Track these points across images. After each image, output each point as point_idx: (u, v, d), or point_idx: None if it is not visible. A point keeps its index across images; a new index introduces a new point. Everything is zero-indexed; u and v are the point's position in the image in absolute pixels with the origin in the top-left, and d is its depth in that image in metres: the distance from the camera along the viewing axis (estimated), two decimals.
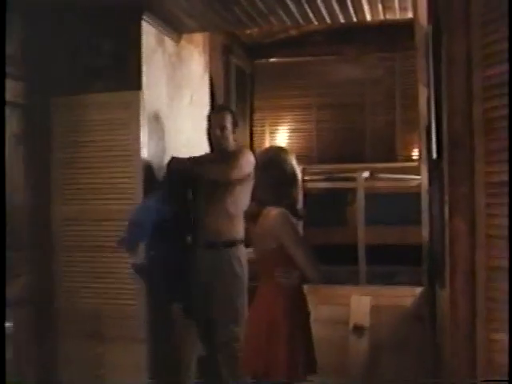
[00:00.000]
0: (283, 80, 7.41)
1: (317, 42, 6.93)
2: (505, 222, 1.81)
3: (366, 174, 5.99)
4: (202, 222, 3.66)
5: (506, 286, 1.80)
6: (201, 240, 3.66)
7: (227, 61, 6.56)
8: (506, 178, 1.80)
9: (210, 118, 3.80)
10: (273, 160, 2.80)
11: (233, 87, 6.71)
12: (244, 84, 7.25)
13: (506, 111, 1.81)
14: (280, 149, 3.03)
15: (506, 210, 1.80)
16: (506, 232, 1.82)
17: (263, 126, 7.63)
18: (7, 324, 2.96)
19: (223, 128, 3.69)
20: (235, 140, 3.78)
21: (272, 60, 7.56)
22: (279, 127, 7.63)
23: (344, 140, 7.19)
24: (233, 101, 6.69)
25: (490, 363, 1.87)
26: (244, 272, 3.64)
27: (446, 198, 2.08)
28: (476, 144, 1.91)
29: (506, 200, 1.80)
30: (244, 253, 3.64)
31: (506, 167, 1.82)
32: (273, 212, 2.68)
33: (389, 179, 6.05)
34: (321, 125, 7.42)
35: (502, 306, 1.83)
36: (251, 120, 7.55)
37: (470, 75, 1.91)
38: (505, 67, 1.78)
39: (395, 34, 5.60)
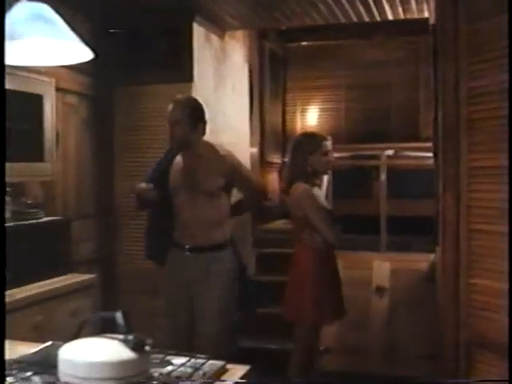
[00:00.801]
0: (314, 62, 7.56)
1: (345, 27, 7.05)
2: (482, 196, 2.40)
3: (389, 152, 6.18)
4: (185, 226, 3.17)
5: (482, 243, 2.39)
6: (183, 242, 3.19)
7: (262, 45, 6.79)
8: (483, 163, 2.39)
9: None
10: (301, 144, 3.30)
11: (267, 70, 6.95)
12: (277, 66, 7.42)
13: (485, 114, 2.38)
14: (309, 134, 3.55)
15: (482, 187, 2.39)
16: (483, 203, 2.41)
17: (295, 106, 7.84)
18: (91, 275, 3.45)
19: (175, 123, 3.05)
20: (195, 137, 3.09)
21: (303, 43, 7.73)
22: (310, 107, 7.82)
23: (371, 119, 7.36)
24: (267, 82, 6.95)
25: (470, 301, 2.47)
26: (231, 274, 3.17)
27: (440, 177, 2.66)
28: (461, 138, 2.49)
29: (483, 180, 2.38)
30: (231, 255, 3.19)
31: (484, 155, 2.40)
32: (299, 187, 3.21)
33: (409, 157, 6.31)
34: (349, 104, 7.60)
35: (479, 258, 2.43)
36: (284, 100, 7.76)
37: (457, 86, 2.47)
38: (484, 81, 2.35)
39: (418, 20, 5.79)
